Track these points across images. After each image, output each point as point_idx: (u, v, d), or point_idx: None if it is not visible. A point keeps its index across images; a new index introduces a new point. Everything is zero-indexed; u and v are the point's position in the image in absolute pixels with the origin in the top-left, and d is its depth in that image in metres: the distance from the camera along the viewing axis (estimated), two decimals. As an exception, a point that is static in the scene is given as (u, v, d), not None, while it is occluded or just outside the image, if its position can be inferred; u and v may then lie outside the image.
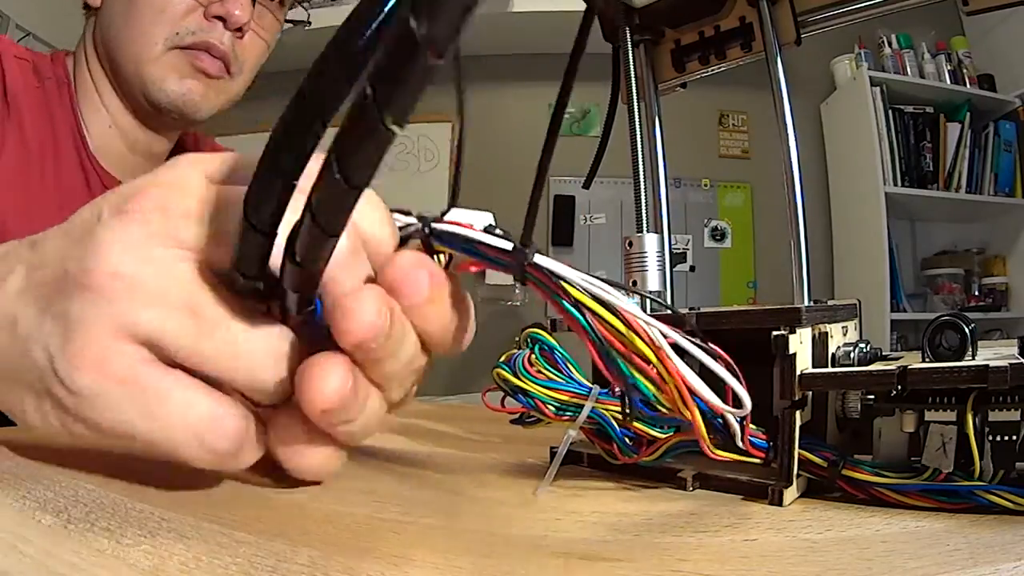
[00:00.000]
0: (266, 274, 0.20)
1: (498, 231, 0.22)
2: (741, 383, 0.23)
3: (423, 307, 0.23)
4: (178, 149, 0.74)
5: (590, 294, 0.21)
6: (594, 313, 0.21)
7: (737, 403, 0.23)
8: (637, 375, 0.22)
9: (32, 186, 0.61)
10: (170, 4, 0.62)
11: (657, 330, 0.22)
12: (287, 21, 0.73)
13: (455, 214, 0.23)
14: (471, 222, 0.23)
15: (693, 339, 0.22)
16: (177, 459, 0.22)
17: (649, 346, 0.22)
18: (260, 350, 0.22)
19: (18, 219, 0.57)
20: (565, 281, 0.21)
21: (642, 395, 0.23)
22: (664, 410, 0.27)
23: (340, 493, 0.28)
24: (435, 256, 0.24)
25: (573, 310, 0.21)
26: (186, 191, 0.22)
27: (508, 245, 0.21)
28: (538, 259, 0.21)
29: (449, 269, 0.24)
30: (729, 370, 0.23)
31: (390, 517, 0.25)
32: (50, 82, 0.65)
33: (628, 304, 0.22)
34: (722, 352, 0.23)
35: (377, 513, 0.25)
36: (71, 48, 0.70)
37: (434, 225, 0.23)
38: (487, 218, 0.23)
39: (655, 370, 0.22)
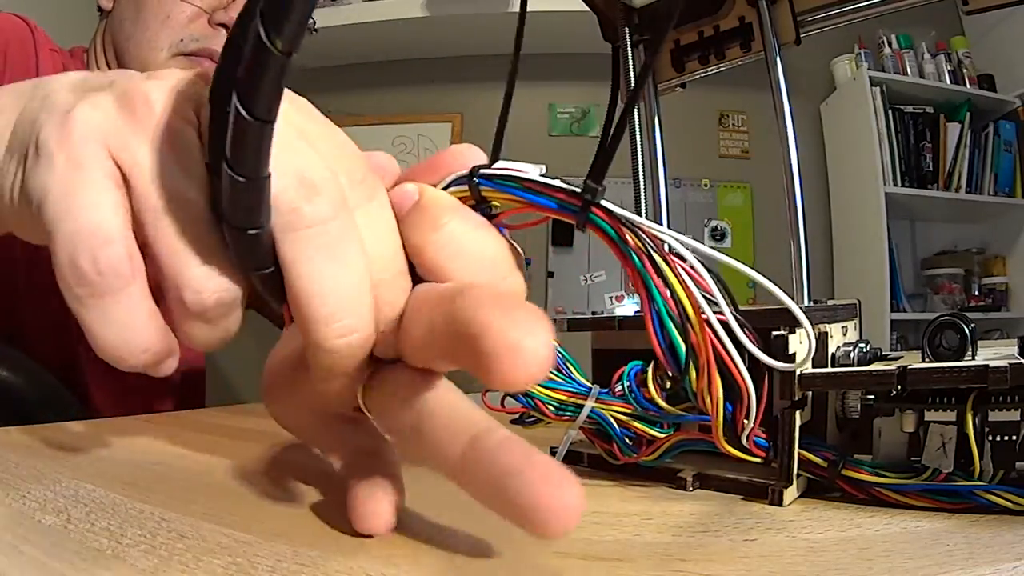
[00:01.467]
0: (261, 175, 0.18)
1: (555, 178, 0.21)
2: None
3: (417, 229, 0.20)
4: None
5: (656, 247, 0.21)
6: (655, 266, 0.21)
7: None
8: (680, 341, 0.22)
9: None
10: (175, 11, 0.63)
11: (707, 302, 0.21)
12: None
13: (502, 164, 0.22)
14: (520, 168, 0.21)
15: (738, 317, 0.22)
16: (57, 263, 0.19)
17: (695, 311, 0.21)
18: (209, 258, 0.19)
19: None
20: (635, 227, 0.20)
21: (676, 364, 0.22)
22: (668, 406, 0.27)
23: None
24: (485, 205, 0.22)
25: (636, 259, 0.20)
26: None
27: (573, 187, 0.20)
28: (605, 203, 0.20)
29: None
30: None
31: (390, 517, 0.25)
32: None
33: (693, 262, 0.21)
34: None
35: (377, 513, 0.25)
36: (63, 43, 0.70)
37: (482, 170, 0.21)
38: (539, 169, 0.21)
39: (695, 337, 0.22)
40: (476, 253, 0.21)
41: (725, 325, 0.22)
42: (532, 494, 0.17)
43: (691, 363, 0.22)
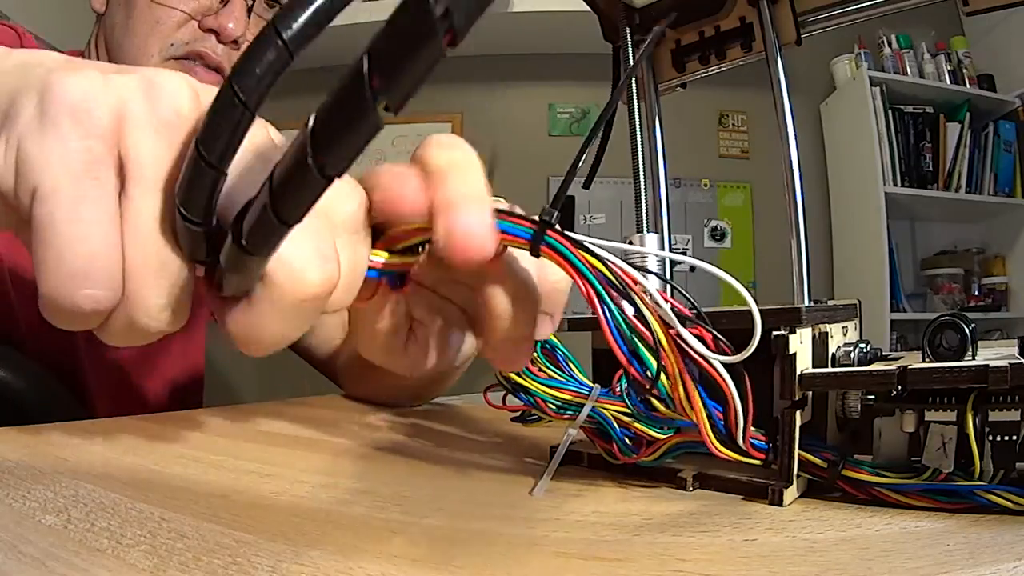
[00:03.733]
0: (210, 221, 0.18)
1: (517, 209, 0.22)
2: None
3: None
4: None
5: (607, 265, 0.21)
6: (608, 281, 0.21)
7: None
8: (644, 350, 0.22)
9: None
10: (164, 16, 0.62)
11: (664, 305, 0.22)
12: None
13: None
14: None
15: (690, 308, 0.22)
16: (40, 258, 0.19)
17: (652, 314, 0.22)
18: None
19: None
20: (588, 250, 0.21)
21: (645, 369, 0.22)
22: (666, 409, 0.27)
23: (340, 493, 0.28)
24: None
25: (593, 278, 0.21)
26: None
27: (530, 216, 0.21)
28: (559, 228, 0.21)
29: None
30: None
31: (390, 517, 0.25)
32: None
33: (642, 280, 0.22)
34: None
35: (377, 513, 0.25)
36: (63, 47, 0.70)
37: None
38: (499, 202, 0.22)
39: (656, 343, 0.22)
40: None
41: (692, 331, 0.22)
42: None
43: (660, 368, 0.22)
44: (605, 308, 0.21)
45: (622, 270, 0.22)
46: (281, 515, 0.24)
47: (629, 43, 0.40)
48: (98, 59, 0.67)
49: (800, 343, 0.28)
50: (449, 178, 0.21)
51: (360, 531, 0.23)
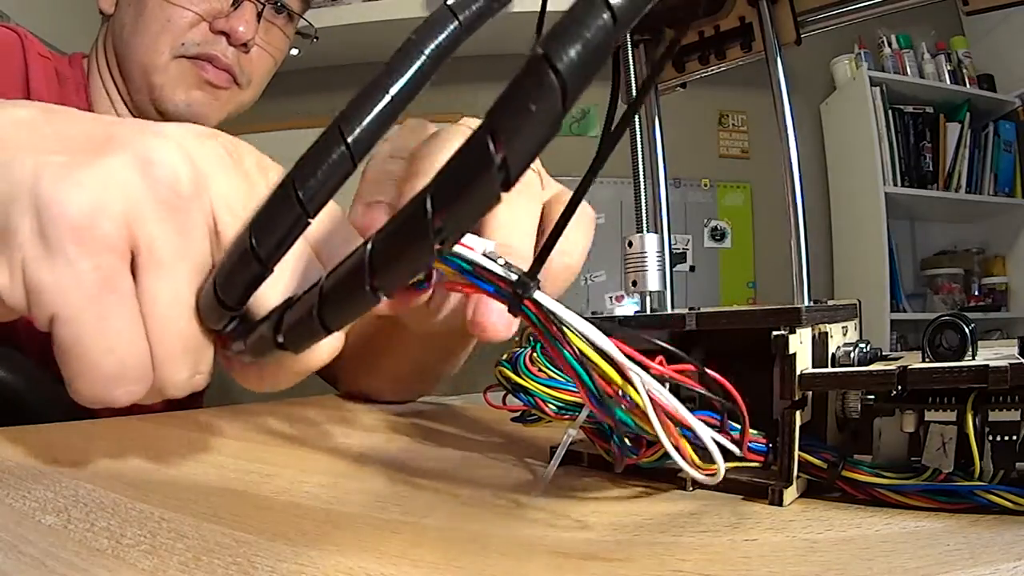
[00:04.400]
0: (242, 307, 0.19)
1: (499, 260, 0.21)
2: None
3: None
4: None
5: (585, 338, 0.21)
6: (587, 358, 0.21)
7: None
8: (627, 416, 0.22)
9: None
10: (175, 16, 0.63)
11: (642, 379, 0.22)
12: (297, 32, 0.73)
13: None
14: (470, 243, 0.21)
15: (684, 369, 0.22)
16: (71, 370, 0.20)
17: (636, 392, 0.22)
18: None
19: None
20: (562, 323, 0.21)
21: (633, 431, 0.23)
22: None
23: (340, 493, 0.28)
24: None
25: (566, 352, 0.21)
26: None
27: (511, 275, 0.20)
28: (538, 296, 0.20)
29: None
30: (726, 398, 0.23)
31: (390, 517, 0.25)
32: (68, 83, 0.66)
33: (618, 354, 0.21)
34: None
35: (377, 513, 0.25)
36: (64, 48, 0.70)
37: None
38: (488, 244, 0.21)
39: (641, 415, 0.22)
40: None
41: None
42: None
43: (639, 425, 0.23)
44: (582, 381, 0.21)
45: (595, 341, 0.21)
46: (281, 515, 0.24)
47: (629, 43, 0.40)
48: (105, 61, 0.67)
49: (800, 343, 0.28)
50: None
51: (360, 531, 0.23)
